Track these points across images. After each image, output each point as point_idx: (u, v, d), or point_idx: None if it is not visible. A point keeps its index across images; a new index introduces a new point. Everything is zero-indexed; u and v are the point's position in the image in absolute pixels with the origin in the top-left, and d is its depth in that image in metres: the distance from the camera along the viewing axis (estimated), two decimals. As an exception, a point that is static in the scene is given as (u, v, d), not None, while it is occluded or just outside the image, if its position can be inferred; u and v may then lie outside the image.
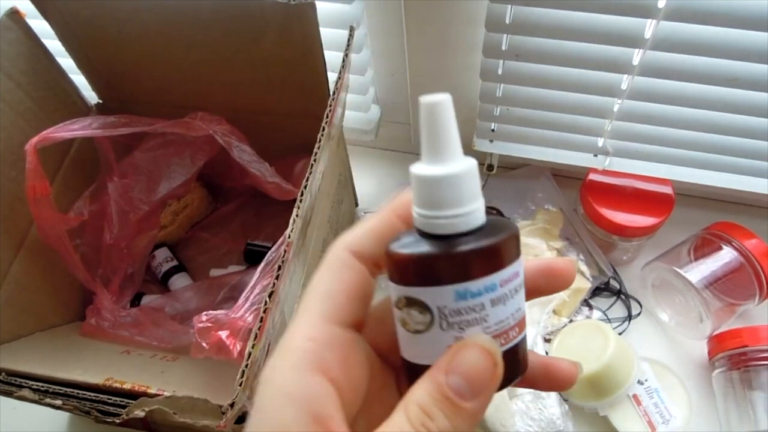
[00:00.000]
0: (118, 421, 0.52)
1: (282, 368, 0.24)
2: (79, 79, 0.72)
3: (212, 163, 0.73)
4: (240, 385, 0.41)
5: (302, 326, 0.25)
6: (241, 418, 0.48)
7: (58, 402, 0.53)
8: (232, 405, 0.41)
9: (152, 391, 0.55)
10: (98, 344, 0.66)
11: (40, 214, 0.61)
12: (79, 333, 0.67)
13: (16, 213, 0.63)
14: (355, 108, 0.78)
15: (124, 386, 0.56)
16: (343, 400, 0.24)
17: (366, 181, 0.87)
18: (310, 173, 0.48)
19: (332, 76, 0.63)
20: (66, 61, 0.70)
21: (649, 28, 0.54)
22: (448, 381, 0.22)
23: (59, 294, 0.70)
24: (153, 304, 0.71)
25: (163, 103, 0.72)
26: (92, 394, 0.55)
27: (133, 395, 0.54)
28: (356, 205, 0.85)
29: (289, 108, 0.69)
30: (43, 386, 0.53)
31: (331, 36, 0.65)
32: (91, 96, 0.74)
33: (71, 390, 0.53)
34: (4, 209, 0.62)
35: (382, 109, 0.82)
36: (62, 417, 0.74)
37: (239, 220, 0.84)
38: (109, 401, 0.54)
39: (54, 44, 0.67)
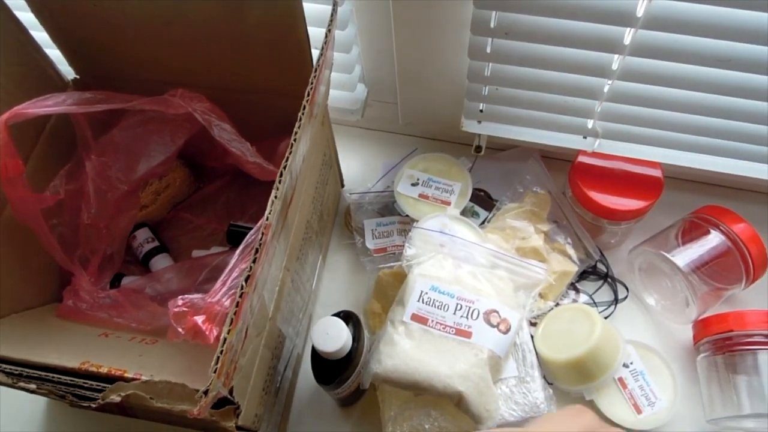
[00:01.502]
0: (93, 405, 0.50)
1: None
2: (55, 54, 0.70)
3: (194, 141, 0.71)
4: (215, 371, 0.39)
5: None
6: (218, 404, 0.47)
7: (33, 386, 0.52)
8: (206, 392, 0.40)
9: (129, 375, 0.54)
10: (75, 327, 0.65)
11: (14, 194, 0.59)
12: (55, 315, 0.66)
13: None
14: (341, 87, 0.76)
15: (101, 370, 0.55)
16: None
17: (352, 162, 0.86)
18: (290, 153, 0.46)
19: (316, 54, 0.62)
20: (40, 35, 0.67)
21: (641, 6, 0.53)
22: None
23: (35, 275, 0.68)
24: (133, 285, 0.70)
25: (142, 80, 0.70)
26: (68, 378, 0.53)
27: (109, 379, 0.53)
28: (342, 185, 0.84)
29: (272, 86, 0.68)
30: (17, 369, 0.52)
31: (315, 12, 0.63)
32: (67, 71, 0.72)
33: (46, 374, 0.52)
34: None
35: (368, 88, 0.80)
36: (40, 401, 0.73)
37: (223, 201, 0.82)
38: (86, 385, 0.53)
39: (27, 17, 0.65)
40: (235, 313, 0.40)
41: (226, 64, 0.67)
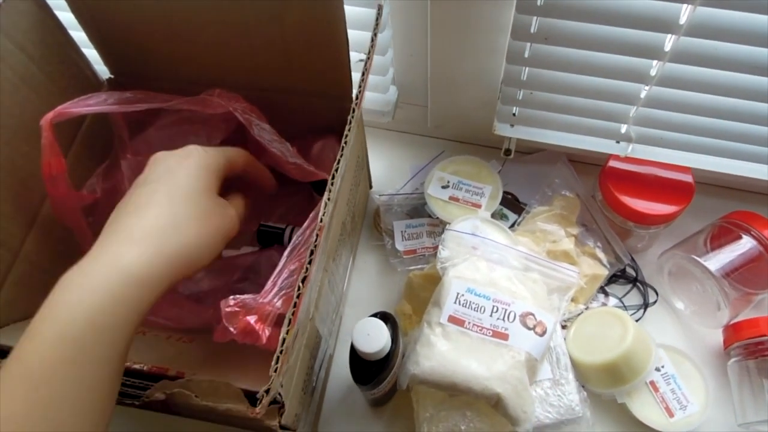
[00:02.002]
0: (137, 403, 0.51)
1: None
2: (91, 53, 0.70)
3: (227, 142, 0.72)
4: (275, 371, 0.40)
5: None
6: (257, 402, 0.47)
7: (76, 383, 0.52)
8: (267, 391, 0.40)
9: (171, 373, 0.55)
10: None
11: (56, 192, 0.60)
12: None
13: (29, 189, 0.62)
14: (374, 89, 0.76)
15: (143, 368, 0.55)
16: None
17: (380, 164, 0.86)
18: (341, 156, 0.46)
19: (353, 56, 0.62)
20: (78, 35, 0.68)
21: (684, 13, 0.53)
22: None
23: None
24: None
25: (175, 80, 0.70)
26: (110, 375, 0.54)
27: (151, 377, 0.54)
28: (370, 187, 0.84)
29: (308, 87, 0.68)
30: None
31: (351, 14, 0.64)
32: (102, 71, 0.72)
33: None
34: (17, 185, 0.61)
35: (399, 90, 0.81)
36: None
37: (251, 201, 0.82)
38: (127, 382, 0.54)
39: (66, 16, 0.65)
40: (293, 314, 0.40)
41: (262, 64, 0.67)
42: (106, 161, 0.70)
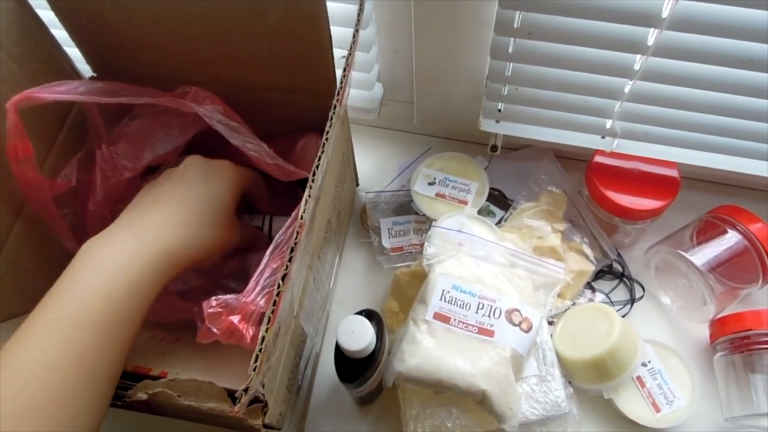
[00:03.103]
0: (119, 403, 0.50)
1: None
2: (73, 52, 0.69)
3: (207, 138, 0.71)
4: (254, 369, 0.40)
5: None
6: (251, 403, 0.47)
7: (58, 384, 0.51)
8: (246, 390, 0.40)
9: (155, 373, 0.54)
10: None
11: (24, 177, 0.58)
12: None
13: (11, 189, 0.61)
14: (359, 86, 0.76)
15: (126, 368, 0.55)
16: None
17: (366, 161, 0.86)
18: (323, 152, 0.46)
19: (336, 52, 0.62)
20: (60, 33, 0.67)
21: (666, 7, 0.53)
22: None
23: (55, 272, 0.67)
24: None
25: (158, 78, 0.69)
26: (92, 375, 0.53)
27: (134, 377, 0.53)
28: (357, 184, 0.84)
29: (291, 84, 0.68)
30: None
31: (333, 10, 0.63)
32: (85, 69, 0.71)
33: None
34: (-2, 184, 0.60)
35: (384, 87, 0.80)
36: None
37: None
38: (109, 383, 0.53)
39: (47, 14, 0.65)
40: (272, 312, 0.40)
41: (245, 61, 0.67)
42: (81, 151, 0.69)
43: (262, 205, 0.71)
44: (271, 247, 0.47)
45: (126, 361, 0.54)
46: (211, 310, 0.45)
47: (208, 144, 0.70)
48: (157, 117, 0.68)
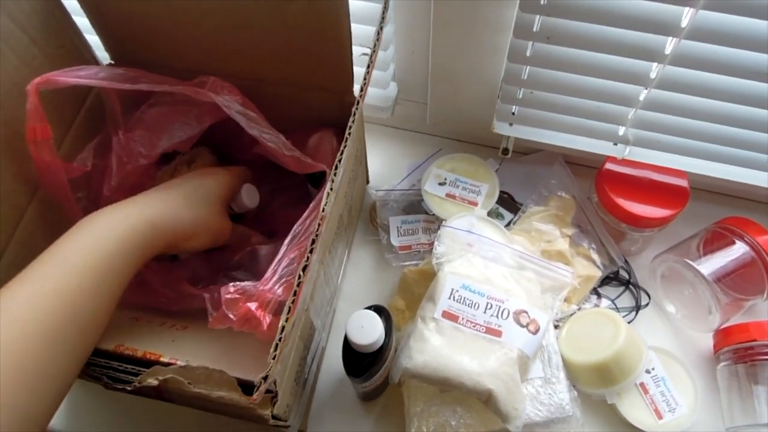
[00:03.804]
0: (129, 388, 0.51)
1: None
2: (93, 39, 0.70)
3: (221, 129, 0.71)
4: (273, 358, 0.40)
5: None
6: (252, 391, 0.47)
7: (68, 366, 0.52)
8: (265, 378, 0.40)
9: (165, 359, 0.55)
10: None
11: (41, 159, 0.59)
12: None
13: (28, 171, 0.61)
14: (374, 84, 0.76)
15: (137, 353, 0.55)
16: None
17: (377, 159, 0.86)
18: (345, 146, 0.47)
19: (355, 50, 0.62)
20: (81, 20, 0.67)
21: (686, 16, 0.54)
22: None
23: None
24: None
25: (175, 68, 0.70)
26: (102, 360, 0.54)
27: (144, 363, 0.54)
28: (367, 182, 0.84)
29: (308, 80, 0.68)
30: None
31: (354, 7, 0.64)
32: (104, 56, 0.72)
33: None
34: (15, 167, 0.60)
35: (398, 86, 0.81)
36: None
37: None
38: (120, 368, 0.53)
39: (69, 2, 0.65)
40: (293, 302, 0.40)
41: (263, 55, 0.67)
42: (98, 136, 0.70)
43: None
44: (289, 237, 0.48)
45: (135, 348, 0.55)
46: (228, 296, 0.46)
47: (224, 134, 0.71)
48: (174, 105, 0.69)
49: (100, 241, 0.50)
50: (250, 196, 0.70)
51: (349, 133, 0.48)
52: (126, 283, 0.52)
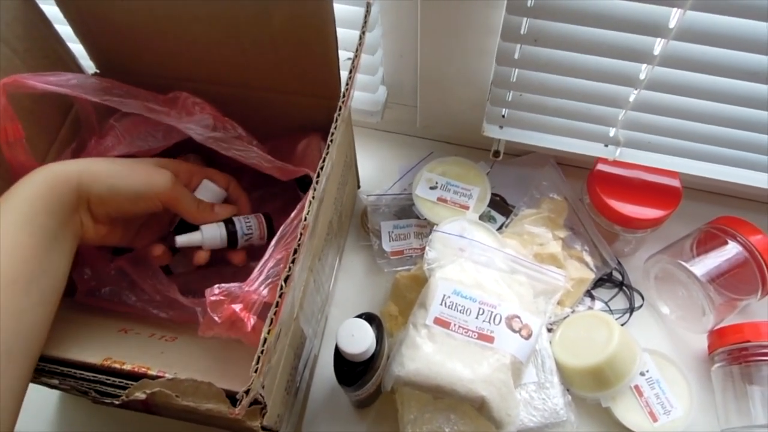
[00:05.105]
0: (117, 402, 0.50)
1: None
2: (77, 48, 0.69)
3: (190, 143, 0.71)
4: (255, 371, 0.39)
5: None
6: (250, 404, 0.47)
7: (55, 381, 0.51)
8: (247, 392, 0.39)
9: (153, 372, 0.54)
10: (94, 321, 0.64)
11: (15, 159, 0.58)
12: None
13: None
14: (363, 88, 0.76)
15: (124, 367, 0.54)
16: None
17: (368, 163, 0.86)
18: (327, 154, 0.46)
19: (340, 54, 0.62)
20: (64, 29, 0.66)
21: (673, 17, 0.53)
22: None
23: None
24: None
25: (162, 76, 0.69)
26: (89, 374, 0.53)
27: (132, 376, 0.53)
28: (358, 187, 0.84)
29: (295, 86, 0.67)
30: (39, 364, 0.51)
31: (340, 12, 0.63)
32: (88, 65, 0.71)
33: (68, 369, 0.52)
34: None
35: (388, 90, 0.80)
36: (51, 397, 0.72)
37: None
38: (108, 381, 0.53)
39: (52, 10, 0.64)
40: (275, 313, 0.40)
41: (249, 62, 0.67)
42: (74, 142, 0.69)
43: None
44: (276, 237, 0.47)
45: (123, 361, 0.54)
46: (213, 298, 0.45)
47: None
48: (148, 116, 0.68)
49: (19, 187, 0.49)
50: (205, 191, 0.65)
51: (332, 140, 0.48)
52: (60, 228, 0.51)
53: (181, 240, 0.62)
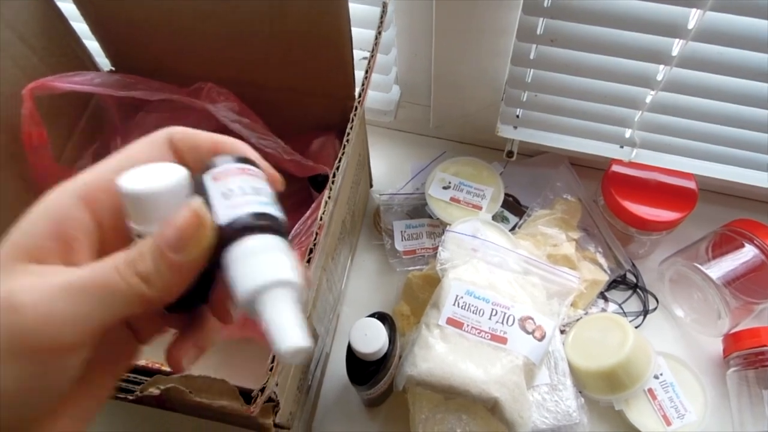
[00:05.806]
0: (131, 397, 0.50)
1: (57, 190, 0.27)
2: (93, 45, 0.70)
3: (224, 133, 0.71)
4: (270, 370, 0.39)
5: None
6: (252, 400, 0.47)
7: (70, 377, 0.51)
8: (262, 390, 0.39)
9: (166, 368, 0.54)
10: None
11: (38, 163, 0.59)
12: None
13: (32, 179, 0.61)
14: (376, 88, 0.76)
15: (138, 362, 0.55)
16: (100, 239, 0.27)
17: (380, 162, 0.86)
18: (343, 153, 0.46)
19: (355, 54, 0.62)
20: (80, 26, 0.67)
21: (693, 18, 0.53)
22: (161, 233, 0.25)
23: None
24: None
25: (176, 73, 0.70)
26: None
27: (146, 372, 0.53)
28: (371, 186, 0.83)
29: (309, 85, 0.67)
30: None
31: (354, 11, 0.63)
32: (104, 63, 0.72)
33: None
34: (15, 177, 0.60)
35: (401, 89, 0.80)
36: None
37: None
38: (122, 377, 0.53)
39: (69, 8, 0.65)
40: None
41: (264, 61, 0.67)
42: (97, 143, 0.69)
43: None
44: (290, 236, 0.47)
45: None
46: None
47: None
48: (172, 112, 0.68)
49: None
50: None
51: (347, 140, 0.48)
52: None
53: None
